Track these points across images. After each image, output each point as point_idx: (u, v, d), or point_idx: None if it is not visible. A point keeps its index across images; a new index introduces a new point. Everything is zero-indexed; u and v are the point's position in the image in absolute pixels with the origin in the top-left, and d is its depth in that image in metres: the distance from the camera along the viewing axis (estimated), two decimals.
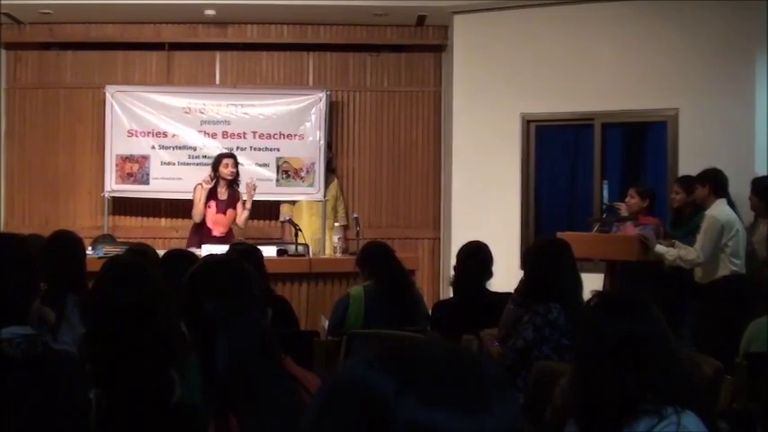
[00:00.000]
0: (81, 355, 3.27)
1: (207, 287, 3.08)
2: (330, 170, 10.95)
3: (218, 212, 9.22)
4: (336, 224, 10.02)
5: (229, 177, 9.25)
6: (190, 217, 9.43)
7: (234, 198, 9.28)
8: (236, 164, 9.36)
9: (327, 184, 10.85)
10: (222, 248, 7.42)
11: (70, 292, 5.12)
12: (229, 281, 3.12)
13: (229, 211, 9.26)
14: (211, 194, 9.23)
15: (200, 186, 9.22)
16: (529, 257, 5.26)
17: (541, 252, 5.19)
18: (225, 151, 9.81)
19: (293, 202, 10.84)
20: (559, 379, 3.29)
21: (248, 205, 9.26)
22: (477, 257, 6.19)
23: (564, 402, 3.06)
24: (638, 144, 10.80)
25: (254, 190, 9.30)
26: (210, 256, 3.55)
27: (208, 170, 9.35)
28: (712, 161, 8.26)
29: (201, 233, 9.23)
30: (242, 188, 9.33)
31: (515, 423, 1.20)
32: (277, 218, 11.00)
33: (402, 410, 1.14)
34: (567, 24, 9.93)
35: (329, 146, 10.96)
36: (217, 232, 9.17)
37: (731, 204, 8.01)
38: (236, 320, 2.92)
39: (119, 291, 3.22)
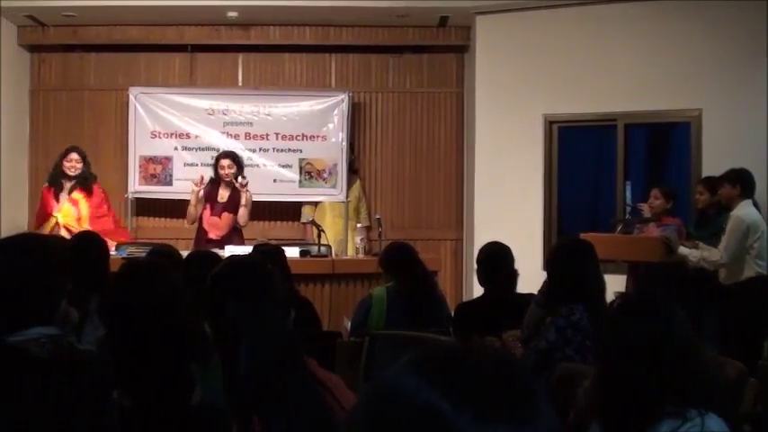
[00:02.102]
0: (101, 356, 3.29)
1: (230, 288, 3.06)
2: (353, 171, 10.95)
3: (212, 215, 9.19)
4: (359, 225, 10.01)
5: (226, 179, 9.23)
6: None
7: (235, 200, 9.21)
8: (235, 163, 9.30)
9: (350, 185, 10.85)
10: (246, 249, 7.46)
11: (94, 292, 5.16)
12: (252, 282, 3.09)
13: (226, 215, 9.20)
14: (213, 196, 9.25)
15: (192, 191, 9.30)
16: (553, 258, 5.24)
17: (565, 253, 5.16)
18: (223, 151, 9.84)
19: (315, 204, 10.85)
20: (582, 381, 3.29)
21: (243, 202, 9.15)
22: (496, 259, 6.18)
23: (587, 404, 3.06)
24: (662, 145, 10.74)
25: (245, 187, 9.15)
26: (233, 256, 3.52)
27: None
28: (736, 162, 8.21)
29: (199, 236, 9.27)
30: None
31: (558, 429, 1.20)
32: (300, 219, 11.02)
33: (460, 428, 1.13)
34: (589, 25, 9.90)
35: (351, 147, 10.96)
36: (213, 235, 9.15)
37: (755, 205, 7.96)
38: (260, 322, 2.91)
39: (134, 292, 3.24)
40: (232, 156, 9.46)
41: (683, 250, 7.73)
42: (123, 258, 7.58)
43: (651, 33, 9.62)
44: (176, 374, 3.09)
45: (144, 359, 3.09)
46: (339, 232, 10.58)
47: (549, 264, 5.26)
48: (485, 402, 1.15)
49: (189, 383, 3.11)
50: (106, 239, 5.97)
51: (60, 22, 11.01)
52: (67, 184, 9.32)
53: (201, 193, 9.23)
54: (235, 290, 3.02)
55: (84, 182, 9.37)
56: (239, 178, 9.20)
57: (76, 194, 9.31)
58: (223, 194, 9.24)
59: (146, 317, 3.15)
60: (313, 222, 9.20)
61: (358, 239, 9.58)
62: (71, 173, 9.31)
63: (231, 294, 3.00)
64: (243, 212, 9.19)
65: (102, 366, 3.04)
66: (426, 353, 1.23)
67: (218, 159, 9.42)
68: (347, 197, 10.85)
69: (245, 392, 2.79)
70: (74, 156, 9.37)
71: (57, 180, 9.38)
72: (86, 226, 8.95)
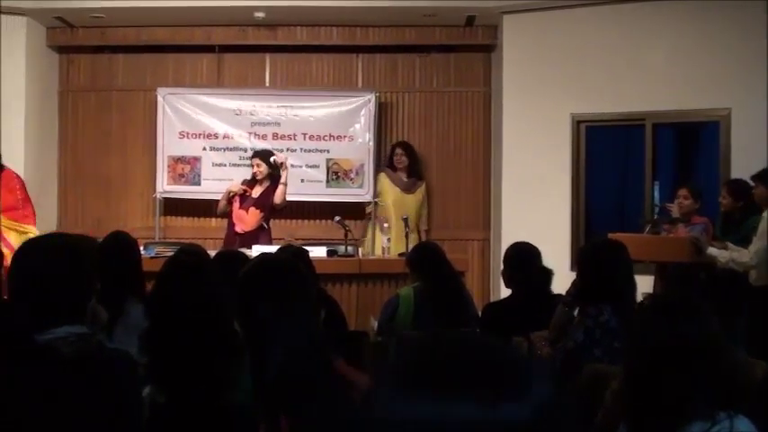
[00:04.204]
0: (140, 350, 3.30)
1: (261, 288, 3.05)
2: (417, 176, 10.88)
3: (240, 208, 9.33)
4: (386, 225, 9.98)
5: (258, 176, 9.41)
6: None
7: (267, 198, 9.36)
8: (264, 161, 9.46)
9: (416, 188, 10.80)
10: (273, 249, 7.47)
11: (127, 292, 5.19)
12: (283, 282, 3.08)
13: (252, 209, 9.32)
14: (244, 192, 9.43)
15: (228, 190, 9.51)
16: (583, 258, 5.21)
17: (597, 253, 5.13)
18: (255, 150, 10.06)
19: (374, 204, 10.78)
20: (610, 382, 3.27)
21: (284, 179, 9.33)
22: (524, 259, 6.16)
23: (615, 405, 3.05)
24: (690, 144, 10.69)
25: (285, 162, 9.39)
26: (265, 256, 3.47)
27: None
28: (765, 161, 8.17)
29: (229, 230, 9.45)
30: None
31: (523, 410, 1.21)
32: (327, 218, 11.01)
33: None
34: (617, 24, 9.86)
35: (411, 150, 10.87)
36: (239, 229, 9.31)
37: None
38: (291, 322, 2.89)
39: (181, 289, 3.25)
40: (261, 154, 9.63)
41: (711, 251, 7.67)
42: (152, 258, 7.62)
43: (680, 32, 9.58)
44: (212, 373, 3.09)
45: (182, 357, 3.10)
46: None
47: (579, 263, 5.23)
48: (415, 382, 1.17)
49: (223, 382, 3.11)
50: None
51: (89, 23, 11.07)
52: None
53: (233, 194, 9.44)
54: (265, 290, 3.00)
55: None
56: (272, 158, 9.42)
57: None
58: (257, 190, 9.39)
59: (189, 314, 3.16)
60: (340, 222, 9.19)
61: (384, 239, 9.56)
62: None
63: (261, 295, 2.98)
64: (281, 189, 9.34)
65: (131, 364, 3.05)
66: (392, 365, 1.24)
67: (251, 159, 9.72)
68: (375, 198, 10.81)
69: (273, 392, 2.78)
70: None
71: None
72: None
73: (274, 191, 9.32)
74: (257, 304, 2.96)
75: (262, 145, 10.65)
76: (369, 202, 10.86)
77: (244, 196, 9.33)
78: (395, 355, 1.30)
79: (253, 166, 9.52)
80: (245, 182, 9.49)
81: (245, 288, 3.09)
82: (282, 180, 9.32)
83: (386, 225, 10.01)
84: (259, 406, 2.91)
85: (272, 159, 9.42)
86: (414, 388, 1.17)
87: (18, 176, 8.93)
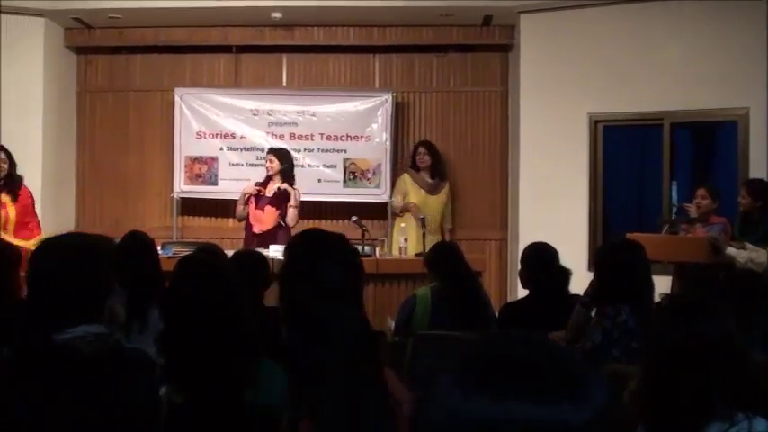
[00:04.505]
0: (158, 351, 3.30)
1: (317, 286, 2.87)
2: (441, 176, 10.79)
3: (256, 208, 9.31)
4: (403, 225, 9.98)
5: (270, 172, 9.38)
6: None
7: (282, 196, 9.32)
8: (278, 158, 9.42)
9: (440, 189, 10.72)
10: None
11: (144, 292, 5.20)
12: (342, 280, 2.91)
13: (269, 208, 9.28)
14: (258, 192, 9.41)
15: (243, 192, 9.49)
16: (601, 258, 5.19)
17: (615, 253, 5.11)
18: (271, 147, 10.04)
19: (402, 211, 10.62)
20: (628, 382, 3.26)
21: (292, 202, 9.25)
22: (541, 259, 6.15)
23: (633, 406, 3.03)
24: (708, 144, 10.66)
25: (290, 190, 9.30)
26: (317, 252, 3.04)
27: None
28: None
29: (247, 231, 9.42)
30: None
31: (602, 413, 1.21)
32: (344, 218, 10.99)
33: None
34: (634, 23, 9.82)
35: (435, 150, 10.83)
36: (256, 229, 9.26)
37: None
38: (347, 322, 2.78)
39: (196, 289, 3.25)
40: (276, 151, 9.61)
41: (730, 251, 7.65)
42: (169, 258, 7.64)
43: (697, 31, 9.54)
44: (230, 372, 3.09)
45: (200, 356, 3.09)
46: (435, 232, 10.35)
47: (597, 264, 5.22)
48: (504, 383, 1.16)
49: (242, 381, 3.10)
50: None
51: (106, 24, 11.11)
52: None
53: (248, 196, 9.41)
54: (321, 287, 2.84)
55: (12, 184, 8.56)
56: (279, 186, 9.34)
57: (4, 197, 8.50)
58: (271, 188, 9.38)
59: (206, 314, 3.15)
60: (357, 222, 9.18)
61: (401, 239, 9.55)
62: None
63: (317, 292, 2.83)
64: (292, 213, 9.27)
65: (149, 364, 3.06)
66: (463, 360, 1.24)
67: (267, 155, 9.65)
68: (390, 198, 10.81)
69: (319, 395, 2.66)
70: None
71: None
72: (11, 232, 8.38)
73: (285, 190, 9.31)
74: (308, 302, 2.81)
75: (279, 145, 10.66)
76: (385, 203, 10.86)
77: (258, 196, 9.32)
78: (449, 352, 1.29)
79: (266, 161, 9.51)
80: (257, 183, 9.47)
81: (297, 285, 2.90)
82: (292, 203, 9.23)
83: (402, 225, 9.98)
84: (294, 408, 2.82)
85: (283, 187, 9.32)
86: (473, 387, 1.17)
87: (31, 195, 8.88)
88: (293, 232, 9.36)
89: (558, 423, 1.15)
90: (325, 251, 2.89)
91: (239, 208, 9.48)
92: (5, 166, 8.60)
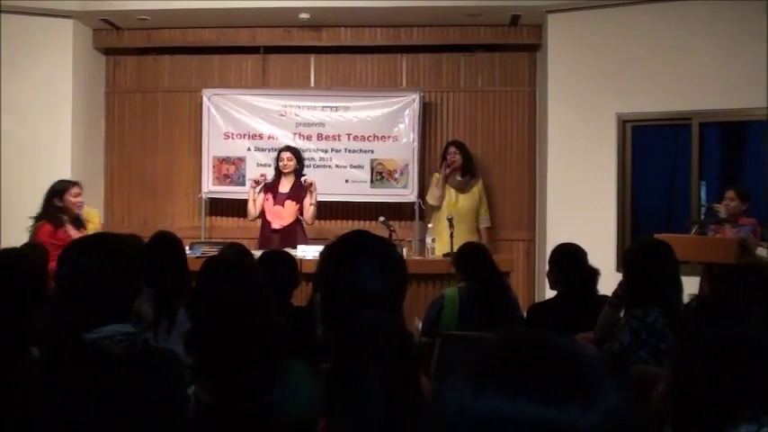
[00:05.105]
0: (186, 350, 3.31)
1: (356, 287, 2.75)
2: (471, 173, 10.64)
3: (275, 204, 9.34)
4: (430, 226, 9.96)
5: (285, 170, 9.44)
6: None
7: (299, 190, 9.39)
8: (295, 156, 9.53)
9: (470, 187, 10.58)
10: (318, 249, 7.49)
11: (174, 291, 5.23)
12: (381, 283, 2.77)
13: (289, 203, 9.35)
14: (273, 188, 9.47)
15: (251, 189, 9.54)
16: (629, 259, 5.16)
17: (644, 253, 5.07)
18: (284, 145, 10.07)
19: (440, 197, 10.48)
20: (656, 384, 3.25)
21: (312, 201, 9.32)
22: (570, 259, 6.13)
23: (661, 408, 3.02)
24: (737, 144, 10.58)
25: (313, 186, 9.35)
26: (362, 249, 2.89)
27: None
28: None
29: (263, 229, 9.46)
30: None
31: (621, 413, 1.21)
32: (371, 219, 10.99)
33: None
34: (663, 22, 9.77)
35: (466, 148, 10.74)
36: (276, 225, 9.30)
37: None
38: (381, 327, 2.70)
39: (223, 288, 3.26)
40: (293, 149, 9.71)
41: (759, 252, 7.60)
42: (198, 257, 7.66)
43: (725, 30, 9.47)
44: (257, 373, 3.09)
45: (227, 356, 3.10)
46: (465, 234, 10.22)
47: (626, 264, 5.18)
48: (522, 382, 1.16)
49: (269, 382, 3.10)
50: None
51: (135, 25, 11.17)
52: (67, 222, 8.31)
53: (259, 189, 9.49)
54: (361, 291, 2.73)
55: (78, 223, 8.43)
56: (302, 179, 9.45)
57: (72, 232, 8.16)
58: (285, 185, 9.42)
59: (233, 314, 3.16)
60: (385, 222, 9.18)
61: (428, 240, 9.54)
62: (76, 210, 8.46)
63: (356, 295, 2.72)
64: (311, 210, 9.35)
65: (177, 364, 3.07)
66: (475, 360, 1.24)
67: (279, 152, 9.68)
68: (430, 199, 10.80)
69: (356, 398, 2.59)
70: (77, 190, 8.52)
71: (58, 218, 8.24)
72: None
73: (300, 184, 9.41)
74: (360, 308, 2.67)
75: (307, 146, 10.72)
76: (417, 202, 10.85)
77: (276, 192, 9.34)
78: (469, 351, 1.28)
79: (283, 159, 9.51)
80: (258, 181, 9.52)
81: (334, 287, 2.77)
82: (312, 201, 9.31)
83: (429, 225, 9.98)
84: (322, 409, 2.77)
85: (302, 179, 9.46)
86: (483, 385, 1.18)
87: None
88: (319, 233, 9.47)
89: (565, 424, 1.15)
90: (368, 254, 2.81)
91: (251, 208, 9.52)
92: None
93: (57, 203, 8.31)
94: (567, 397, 1.16)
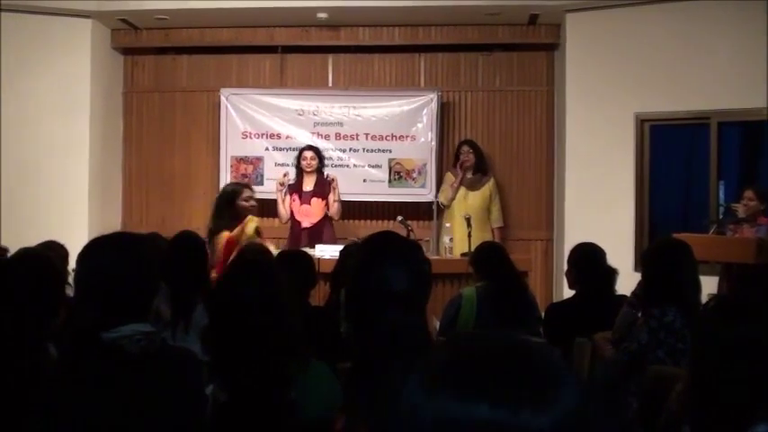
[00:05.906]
0: (203, 348, 3.32)
1: (381, 287, 2.73)
2: (482, 171, 10.67)
3: (302, 203, 9.43)
4: (448, 225, 9.96)
5: (308, 169, 9.56)
6: None
7: (323, 187, 9.50)
8: (316, 156, 9.66)
9: (481, 184, 10.59)
10: (338, 247, 7.52)
11: (194, 290, 5.24)
12: (406, 285, 2.75)
13: (315, 200, 9.45)
14: (297, 188, 9.56)
15: (278, 192, 9.61)
16: (648, 259, 5.15)
17: (663, 253, 5.05)
18: (306, 144, 10.15)
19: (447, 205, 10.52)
20: (674, 384, 3.24)
21: (336, 197, 9.47)
22: (589, 259, 6.13)
23: (679, 408, 3.01)
24: (756, 143, 10.53)
25: (335, 182, 9.53)
26: (388, 250, 2.86)
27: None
28: None
29: (293, 228, 9.56)
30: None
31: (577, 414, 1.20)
32: (389, 218, 11.00)
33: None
34: (681, 21, 9.74)
35: (477, 147, 10.71)
36: (306, 223, 9.42)
37: None
38: (415, 329, 2.68)
39: (243, 287, 3.27)
40: (314, 148, 9.83)
41: None
42: None
43: (744, 30, 9.43)
44: (274, 372, 3.10)
45: (245, 355, 3.10)
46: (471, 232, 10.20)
47: (644, 263, 5.16)
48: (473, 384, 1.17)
49: (287, 381, 3.11)
50: None
51: (153, 25, 11.20)
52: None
53: (285, 190, 9.56)
54: (385, 292, 2.72)
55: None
56: (326, 175, 9.60)
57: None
58: (308, 183, 9.53)
59: (251, 313, 3.17)
60: (403, 221, 9.18)
61: (447, 239, 9.54)
62: (250, 215, 8.13)
63: (381, 296, 2.72)
64: (337, 207, 9.50)
65: (196, 363, 3.08)
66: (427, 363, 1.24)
67: (301, 151, 9.78)
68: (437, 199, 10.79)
69: (379, 397, 2.58)
70: (248, 193, 8.28)
71: (234, 227, 7.90)
72: None
73: (324, 180, 9.55)
74: (386, 307, 2.67)
75: (325, 145, 10.71)
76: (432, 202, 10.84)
77: (301, 191, 9.41)
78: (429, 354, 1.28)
79: (306, 158, 9.62)
80: (284, 183, 9.61)
81: (360, 287, 2.76)
82: (336, 198, 9.47)
83: (447, 225, 9.99)
84: (344, 407, 2.76)
85: (325, 175, 9.61)
86: (435, 387, 1.18)
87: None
88: (336, 231, 9.52)
89: (515, 426, 1.15)
90: (395, 254, 2.80)
91: (281, 209, 9.58)
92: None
93: (231, 209, 8.01)
94: (519, 399, 1.16)
